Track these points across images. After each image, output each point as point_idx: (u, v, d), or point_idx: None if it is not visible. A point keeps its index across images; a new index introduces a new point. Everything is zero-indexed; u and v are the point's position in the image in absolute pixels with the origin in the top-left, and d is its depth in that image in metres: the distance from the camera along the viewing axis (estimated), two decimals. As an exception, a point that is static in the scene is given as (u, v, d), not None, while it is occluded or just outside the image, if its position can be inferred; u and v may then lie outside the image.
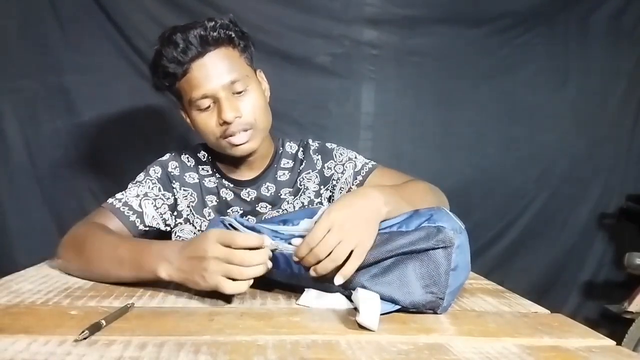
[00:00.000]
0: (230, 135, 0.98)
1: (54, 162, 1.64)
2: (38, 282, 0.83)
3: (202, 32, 0.94)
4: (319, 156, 1.12)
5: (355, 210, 0.70)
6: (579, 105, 1.89)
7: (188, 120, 1.04)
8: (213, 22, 0.95)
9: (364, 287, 0.69)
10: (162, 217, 1.05)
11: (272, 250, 0.73)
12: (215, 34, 0.95)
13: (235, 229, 0.78)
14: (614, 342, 0.62)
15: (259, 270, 0.70)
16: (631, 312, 1.76)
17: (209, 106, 0.97)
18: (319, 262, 0.68)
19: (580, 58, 1.88)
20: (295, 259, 0.71)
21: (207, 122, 0.98)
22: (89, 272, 0.85)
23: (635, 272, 1.77)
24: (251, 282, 0.71)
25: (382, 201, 0.73)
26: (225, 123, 0.96)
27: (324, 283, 0.72)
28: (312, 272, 0.69)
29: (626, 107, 1.93)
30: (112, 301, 0.73)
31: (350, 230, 0.68)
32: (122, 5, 1.63)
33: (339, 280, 0.68)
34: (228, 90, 0.96)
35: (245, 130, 0.98)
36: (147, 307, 0.71)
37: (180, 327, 0.63)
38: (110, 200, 1.01)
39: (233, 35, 0.98)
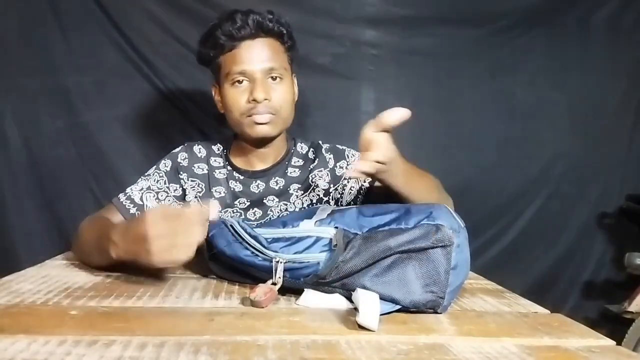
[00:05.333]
0: (255, 114, 1.04)
1: (54, 162, 1.64)
2: (38, 282, 0.83)
3: (260, 19, 1.03)
4: (331, 155, 1.15)
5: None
6: (579, 105, 1.89)
7: (217, 97, 1.11)
8: (272, 15, 1.05)
9: (364, 287, 0.69)
10: None
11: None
12: (271, 24, 1.04)
13: (236, 231, 0.78)
14: (614, 342, 0.62)
15: (200, 232, 0.73)
16: (631, 312, 1.75)
17: (243, 83, 1.04)
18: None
19: (580, 58, 1.87)
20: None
21: (237, 97, 1.05)
22: (85, 261, 0.92)
23: (635, 272, 1.77)
24: (194, 246, 0.73)
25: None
26: (255, 101, 1.02)
27: (323, 287, 0.73)
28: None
29: (626, 107, 1.92)
30: (112, 301, 0.73)
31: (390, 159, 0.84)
32: (122, 5, 1.63)
33: (350, 172, 0.76)
34: (265, 74, 1.04)
35: (270, 114, 1.04)
36: (147, 307, 0.71)
37: (180, 327, 0.63)
38: (119, 195, 1.07)
39: (285, 32, 1.07)
